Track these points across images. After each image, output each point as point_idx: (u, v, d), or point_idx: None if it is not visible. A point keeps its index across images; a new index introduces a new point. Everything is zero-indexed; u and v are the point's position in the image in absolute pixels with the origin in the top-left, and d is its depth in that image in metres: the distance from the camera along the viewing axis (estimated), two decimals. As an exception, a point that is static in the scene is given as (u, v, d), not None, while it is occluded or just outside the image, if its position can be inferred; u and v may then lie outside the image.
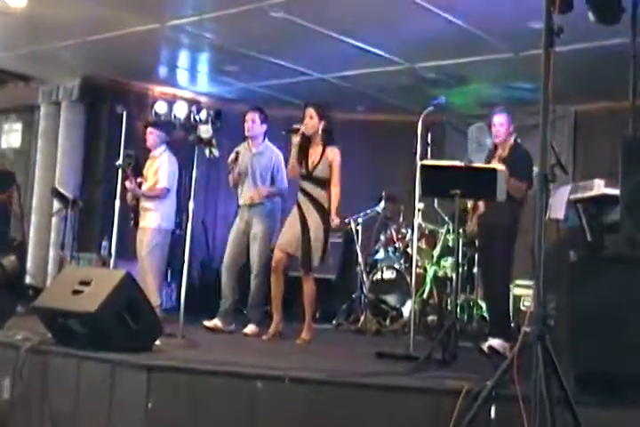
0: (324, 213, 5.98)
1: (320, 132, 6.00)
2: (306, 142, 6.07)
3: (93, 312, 4.45)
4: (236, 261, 6.60)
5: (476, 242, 6.42)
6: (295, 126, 6.08)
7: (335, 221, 5.97)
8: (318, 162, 6.00)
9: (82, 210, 8.15)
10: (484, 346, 5.24)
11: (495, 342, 5.29)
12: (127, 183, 7.04)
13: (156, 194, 7.12)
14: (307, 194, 6.03)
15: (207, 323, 6.51)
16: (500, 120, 5.81)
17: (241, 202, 6.70)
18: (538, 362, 3.03)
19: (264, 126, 6.72)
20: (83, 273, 5.02)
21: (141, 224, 7.14)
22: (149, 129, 7.39)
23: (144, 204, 7.16)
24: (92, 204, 8.68)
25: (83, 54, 8.12)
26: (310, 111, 6.01)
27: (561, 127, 8.59)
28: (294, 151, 6.08)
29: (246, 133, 6.69)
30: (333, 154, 6.01)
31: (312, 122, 6.00)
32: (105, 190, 8.42)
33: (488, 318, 6.19)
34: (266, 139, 6.75)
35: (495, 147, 5.85)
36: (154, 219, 7.09)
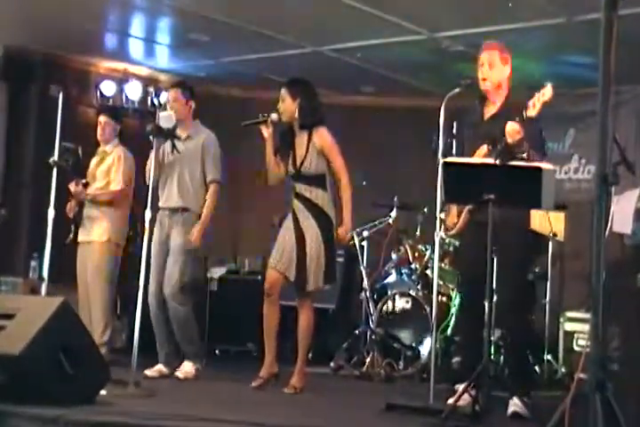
0: (324, 219, 6.03)
1: (297, 114, 6.08)
2: (289, 133, 6.16)
3: (17, 355, 4.43)
4: (161, 284, 6.54)
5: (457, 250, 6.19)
6: (263, 116, 6.10)
7: (342, 235, 6.02)
8: (305, 153, 6.06)
9: (4, 221, 8.13)
10: (509, 410, 5.23)
11: (515, 404, 5.21)
12: (71, 186, 7.03)
13: (109, 198, 7.12)
14: (300, 197, 6.08)
15: (149, 372, 6.40)
16: (490, 57, 5.55)
17: (160, 203, 6.63)
18: (596, 417, 3.02)
19: (190, 104, 6.74)
20: (4, 303, 5.00)
21: (85, 238, 7.12)
22: (104, 119, 7.39)
23: (90, 212, 7.14)
24: (16, 213, 8.66)
25: (3, 18, 8.11)
26: (281, 92, 6.12)
27: (627, 114, 8.62)
28: (269, 148, 6.12)
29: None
30: (320, 137, 6.07)
31: (285, 104, 6.10)
32: (34, 195, 8.40)
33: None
34: (197, 120, 6.76)
35: (483, 99, 5.64)
36: (102, 230, 7.08)
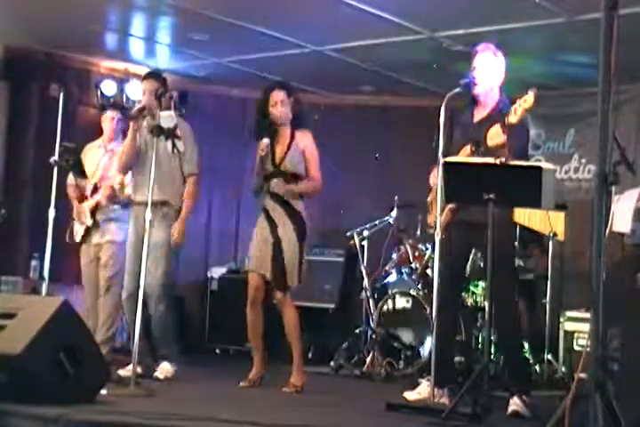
0: (298, 218, 6.11)
1: (291, 117, 6.19)
2: (270, 131, 6.18)
3: (18, 354, 4.43)
4: (139, 282, 6.19)
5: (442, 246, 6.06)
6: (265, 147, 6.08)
7: (280, 187, 6.06)
8: (286, 151, 6.11)
9: (4, 220, 8.12)
10: (509, 410, 5.23)
11: (515, 403, 5.22)
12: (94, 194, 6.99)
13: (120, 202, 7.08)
14: (276, 197, 6.13)
15: (122, 371, 6.15)
16: (482, 61, 5.60)
17: (138, 198, 6.39)
18: (597, 417, 3.01)
19: (166, 96, 6.49)
20: (5, 302, 4.99)
21: (100, 239, 7.06)
22: (112, 114, 7.36)
23: (106, 212, 7.08)
24: (16, 212, 8.64)
25: (4, 18, 8.11)
26: (281, 96, 6.16)
27: (627, 113, 8.61)
28: (260, 165, 6.11)
29: (144, 105, 6.48)
30: (305, 138, 6.15)
31: (285, 109, 6.16)
32: (34, 195, 8.40)
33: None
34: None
35: (475, 101, 5.65)
36: (118, 231, 7.03)
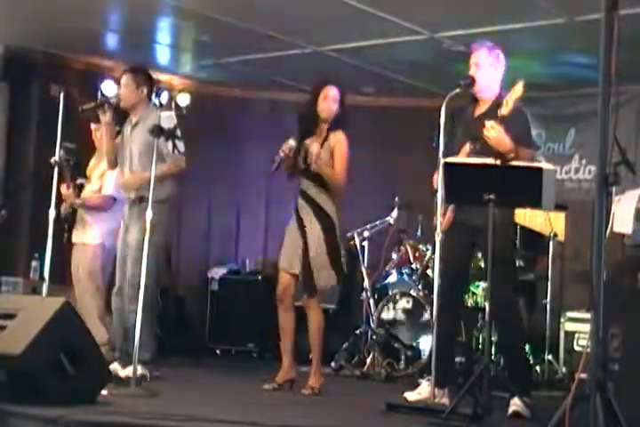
0: (323, 217, 6.05)
1: (333, 118, 6.15)
2: (304, 129, 6.17)
3: (18, 355, 4.43)
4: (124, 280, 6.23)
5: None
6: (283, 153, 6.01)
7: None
8: (319, 151, 6.03)
9: (5, 221, 8.12)
10: (509, 410, 5.24)
11: (515, 403, 5.23)
12: (62, 188, 6.96)
13: (99, 203, 7.06)
14: (306, 196, 6.10)
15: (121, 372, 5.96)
16: (477, 58, 5.62)
17: (124, 194, 6.37)
18: (597, 417, 3.02)
19: (143, 90, 6.42)
20: (5, 303, 5.00)
21: (79, 239, 7.06)
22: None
23: (84, 215, 7.10)
24: (17, 212, 8.64)
25: (4, 18, 8.11)
26: (335, 93, 6.13)
27: (627, 114, 8.60)
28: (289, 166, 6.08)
29: (121, 104, 6.45)
30: (337, 139, 6.11)
31: (334, 107, 6.13)
32: (34, 195, 8.40)
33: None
34: (150, 105, 6.44)
35: (475, 98, 5.66)
36: (95, 234, 7.01)
